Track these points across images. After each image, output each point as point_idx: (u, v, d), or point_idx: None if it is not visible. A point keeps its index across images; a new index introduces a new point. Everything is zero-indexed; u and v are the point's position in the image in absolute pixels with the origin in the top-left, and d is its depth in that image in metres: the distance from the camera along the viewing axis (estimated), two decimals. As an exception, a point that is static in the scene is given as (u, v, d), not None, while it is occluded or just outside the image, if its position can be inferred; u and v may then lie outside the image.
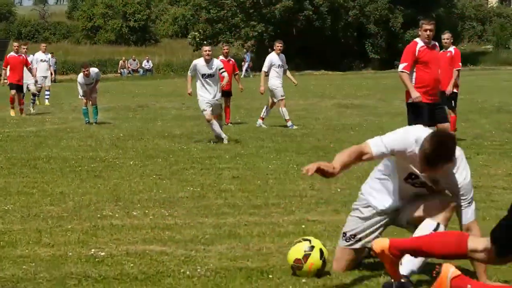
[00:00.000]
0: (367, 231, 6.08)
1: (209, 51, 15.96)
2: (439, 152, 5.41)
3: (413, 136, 5.68)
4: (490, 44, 78.16)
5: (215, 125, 15.75)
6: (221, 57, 20.53)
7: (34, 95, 25.44)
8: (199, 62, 15.97)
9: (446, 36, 16.67)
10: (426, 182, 5.81)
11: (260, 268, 6.20)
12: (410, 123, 11.12)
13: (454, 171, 5.67)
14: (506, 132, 17.06)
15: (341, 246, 6.18)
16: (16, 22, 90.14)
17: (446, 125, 11.76)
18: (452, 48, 16.18)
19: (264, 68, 19.36)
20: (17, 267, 6.27)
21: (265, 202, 9.25)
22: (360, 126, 18.76)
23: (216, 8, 66.92)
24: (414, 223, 5.86)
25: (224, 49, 21.20)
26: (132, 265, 6.35)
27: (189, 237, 7.42)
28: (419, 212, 5.82)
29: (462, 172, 5.71)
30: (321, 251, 6.01)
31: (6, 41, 68.76)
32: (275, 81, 19.24)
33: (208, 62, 15.89)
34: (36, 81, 26.17)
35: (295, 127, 18.64)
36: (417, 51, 11.70)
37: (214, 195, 9.76)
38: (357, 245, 6.11)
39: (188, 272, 6.12)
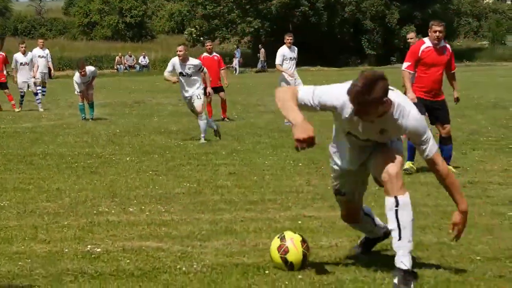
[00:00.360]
0: (347, 186, 6.18)
1: (180, 51, 15.56)
2: (368, 89, 5.35)
3: (344, 91, 5.55)
4: (486, 40, 78.28)
5: (202, 122, 15.46)
6: (205, 53, 20.55)
7: (35, 94, 25.21)
8: (176, 61, 15.72)
9: (410, 36, 17.69)
10: (370, 138, 5.76)
11: (256, 264, 6.20)
12: None
13: (399, 119, 5.60)
14: (502, 128, 17.08)
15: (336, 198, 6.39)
16: (12, 18, 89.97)
17: (448, 126, 11.72)
18: None
19: (278, 62, 19.28)
20: (13, 263, 6.27)
21: (262, 198, 9.25)
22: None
23: (213, 4, 66.89)
24: (377, 180, 5.90)
25: (207, 46, 21.14)
26: (128, 261, 6.35)
27: (185, 233, 7.42)
28: (376, 171, 5.83)
29: (408, 116, 5.61)
30: (291, 231, 6.34)
31: (2, 37, 68.56)
32: (286, 74, 19.29)
33: (183, 61, 15.55)
34: (34, 78, 25.93)
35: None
36: (420, 51, 11.59)
37: (211, 191, 9.75)
38: (345, 198, 6.26)
39: (184, 268, 6.11)
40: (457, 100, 12.24)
